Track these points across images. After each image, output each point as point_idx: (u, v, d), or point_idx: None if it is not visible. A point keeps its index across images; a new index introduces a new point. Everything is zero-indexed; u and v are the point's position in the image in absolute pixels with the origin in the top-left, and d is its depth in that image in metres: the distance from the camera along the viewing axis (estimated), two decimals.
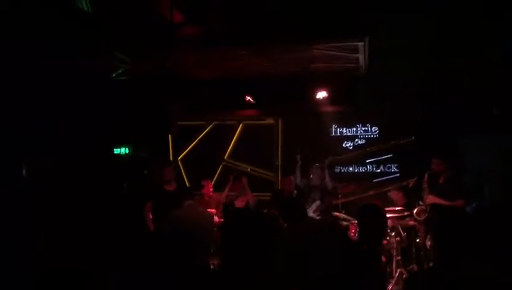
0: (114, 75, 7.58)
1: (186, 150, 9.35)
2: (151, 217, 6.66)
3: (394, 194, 7.08)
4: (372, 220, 3.33)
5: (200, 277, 2.49)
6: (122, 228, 6.50)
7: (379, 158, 8.44)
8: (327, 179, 6.85)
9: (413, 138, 8.13)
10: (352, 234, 7.01)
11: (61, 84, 6.52)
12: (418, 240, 6.46)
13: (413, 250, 6.47)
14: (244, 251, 2.38)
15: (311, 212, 6.30)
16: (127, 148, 8.36)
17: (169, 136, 9.33)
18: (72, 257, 3.70)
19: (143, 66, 7.47)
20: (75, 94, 6.80)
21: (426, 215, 6.10)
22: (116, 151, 8.29)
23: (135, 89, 8.01)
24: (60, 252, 3.81)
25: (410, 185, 6.94)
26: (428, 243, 6.22)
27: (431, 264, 6.06)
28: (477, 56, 6.88)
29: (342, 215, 7.49)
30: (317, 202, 6.50)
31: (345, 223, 7.31)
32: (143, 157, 8.46)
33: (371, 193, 8.03)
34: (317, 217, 6.24)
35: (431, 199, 6.01)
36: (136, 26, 6.21)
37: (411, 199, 7.00)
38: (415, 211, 6.20)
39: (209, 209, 6.92)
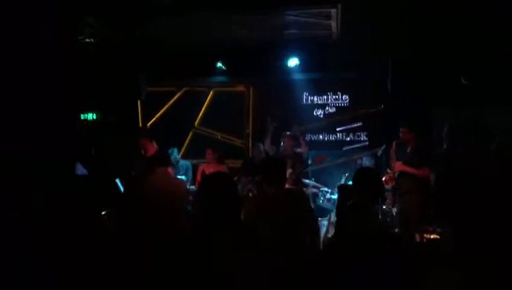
0: (81, 38, 7.31)
1: (156, 116, 9.22)
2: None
3: (366, 162, 7.24)
4: (368, 182, 3.44)
5: (174, 242, 2.49)
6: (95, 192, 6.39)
7: (349, 126, 8.53)
8: (303, 146, 6.87)
9: (382, 106, 8.22)
10: (321, 201, 7.14)
11: (25, 46, 6.25)
12: (384, 207, 6.60)
13: (380, 216, 6.62)
14: (220, 208, 2.41)
15: None
16: (94, 114, 8.18)
17: (138, 101, 9.16)
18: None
19: (111, 29, 7.24)
20: (39, 57, 6.54)
21: (394, 183, 6.23)
22: (83, 116, 8.10)
23: (103, 52, 7.77)
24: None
25: (378, 154, 7.06)
26: (395, 209, 6.40)
27: (397, 229, 6.25)
28: (448, 26, 6.93)
29: (312, 183, 7.60)
30: (289, 170, 6.52)
31: (314, 190, 7.43)
32: (111, 123, 8.30)
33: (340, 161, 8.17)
34: (288, 186, 6.26)
35: (398, 166, 6.11)
36: None
37: (379, 167, 7.15)
38: (384, 178, 6.29)
39: (178, 176, 6.92)
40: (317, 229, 4.26)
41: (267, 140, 7.10)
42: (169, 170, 5.07)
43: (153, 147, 6.63)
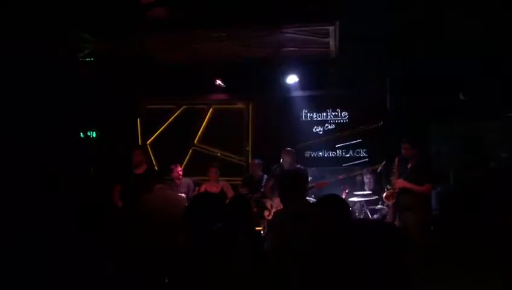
0: (79, 56, 7.34)
1: (155, 134, 9.21)
2: (120, 201, 6.57)
3: (368, 177, 7.22)
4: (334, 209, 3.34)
5: (171, 259, 2.47)
6: (92, 212, 6.38)
7: (348, 143, 8.52)
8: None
9: (381, 123, 8.23)
10: None
11: (24, 66, 6.30)
12: None
13: None
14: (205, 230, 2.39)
15: None
16: (94, 132, 8.17)
17: (138, 119, 9.16)
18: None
19: (110, 47, 7.27)
20: (38, 76, 6.57)
21: (394, 199, 6.18)
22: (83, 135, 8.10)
23: (102, 70, 7.80)
24: None
25: (378, 170, 7.03)
26: None
27: None
28: (445, 42, 6.98)
29: (313, 200, 7.56)
30: None
31: None
32: (111, 141, 8.29)
33: (340, 177, 8.14)
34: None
35: (400, 183, 6.07)
36: (103, 6, 6.02)
37: (379, 183, 7.13)
38: (384, 195, 6.27)
39: (179, 193, 6.88)
40: None
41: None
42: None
43: (143, 165, 6.66)
